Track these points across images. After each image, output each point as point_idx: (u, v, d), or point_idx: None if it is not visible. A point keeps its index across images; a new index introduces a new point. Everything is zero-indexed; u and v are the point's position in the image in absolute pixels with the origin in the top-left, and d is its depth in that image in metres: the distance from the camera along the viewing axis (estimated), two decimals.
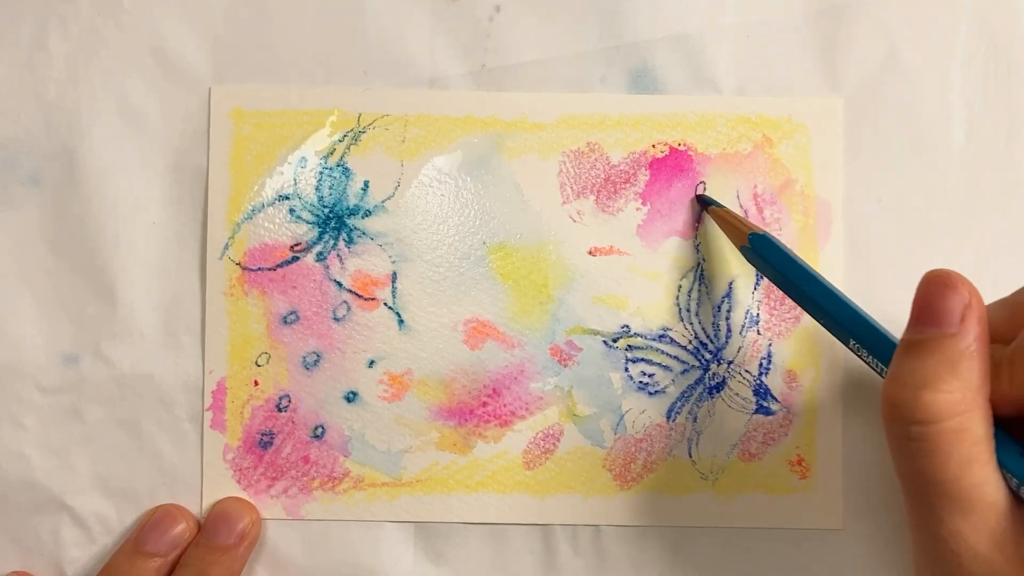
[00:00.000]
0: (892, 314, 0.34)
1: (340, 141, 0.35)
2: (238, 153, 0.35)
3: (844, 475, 0.35)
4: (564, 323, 0.35)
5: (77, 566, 0.35)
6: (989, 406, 0.25)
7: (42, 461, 0.34)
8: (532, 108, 0.35)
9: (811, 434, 0.35)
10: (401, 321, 0.35)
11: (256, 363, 0.35)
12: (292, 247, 0.35)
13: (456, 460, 0.35)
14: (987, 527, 0.25)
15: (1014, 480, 0.25)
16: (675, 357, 0.35)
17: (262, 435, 0.35)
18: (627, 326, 0.35)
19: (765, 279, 0.35)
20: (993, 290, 0.35)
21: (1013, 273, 0.35)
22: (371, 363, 0.35)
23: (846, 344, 0.30)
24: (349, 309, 0.35)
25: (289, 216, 0.35)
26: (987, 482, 0.25)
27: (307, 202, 0.35)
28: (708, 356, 0.35)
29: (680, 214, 0.35)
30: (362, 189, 0.35)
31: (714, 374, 0.35)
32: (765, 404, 0.35)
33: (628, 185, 0.35)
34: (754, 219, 0.35)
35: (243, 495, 0.34)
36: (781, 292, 0.35)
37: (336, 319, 0.35)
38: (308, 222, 0.35)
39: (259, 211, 0.35)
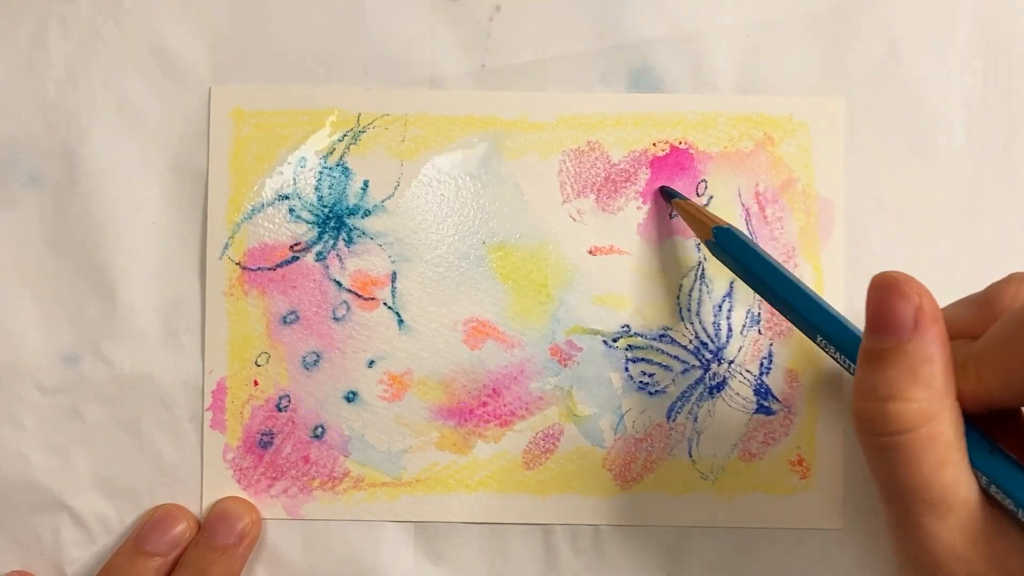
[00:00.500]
0: None
1: (340, 141, 0.35)
2: (238, 153, 0.35)
3: (844, 475, 0.35)
4: (564, 323, 0.35)
5: (77, 566, 0.35)
6: (957, 406, 0.25)
7: (42, 461, 0.34)
8: (532, 108, 0.35)
9: (811, 434, 0.35)
10: (401, 321, 0.35)
11: (256, 363, 0.34)
12: (292, 247, 0.35)
13: (456, 460, 0.35)
14: (963, 527, 0.25)
15: (984, 479, 0.25)
16: (675, 357, 0.35)
17: (262, 435, 0.34)
18: (627, 326, 0.35)
19: None
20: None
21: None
22: (371, 363, 0.35)
23: (814, 340, 0.30)
24: (349, 309, 0.35)
25: (289, 216, 0.35)
26: (959, 483, 0.25)
27: (307, 202, 0.35)
28: (708, 356, 0.35)
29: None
30: (362, 189, 0.35)
31: (715, 374, 0.35)
32: (766, 404, 0.35)
33: (628, 184, 0.35)
34: (756, 218, 0.35)
35: (243, 495, 0.34)
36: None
37: (336, 319, 0.35)
38: (308, 222, 0.35)
39: (259, 211, 0.35)
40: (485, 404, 0.35)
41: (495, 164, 0.35)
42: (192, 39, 0.35)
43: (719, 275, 0.35)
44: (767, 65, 0.35)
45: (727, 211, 0.35)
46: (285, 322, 0.34)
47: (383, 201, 0.35)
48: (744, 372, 0.35)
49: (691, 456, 0.35)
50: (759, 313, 0.35)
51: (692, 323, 0.35)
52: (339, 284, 0.35)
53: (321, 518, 0.35)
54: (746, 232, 0.35)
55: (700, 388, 0.35)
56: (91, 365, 0.34)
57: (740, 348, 0.35)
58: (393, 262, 0.35)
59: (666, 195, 0.34)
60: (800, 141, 0.35)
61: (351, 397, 0.34)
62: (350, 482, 0.35)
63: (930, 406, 0.25)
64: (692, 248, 0.35)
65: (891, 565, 0.35)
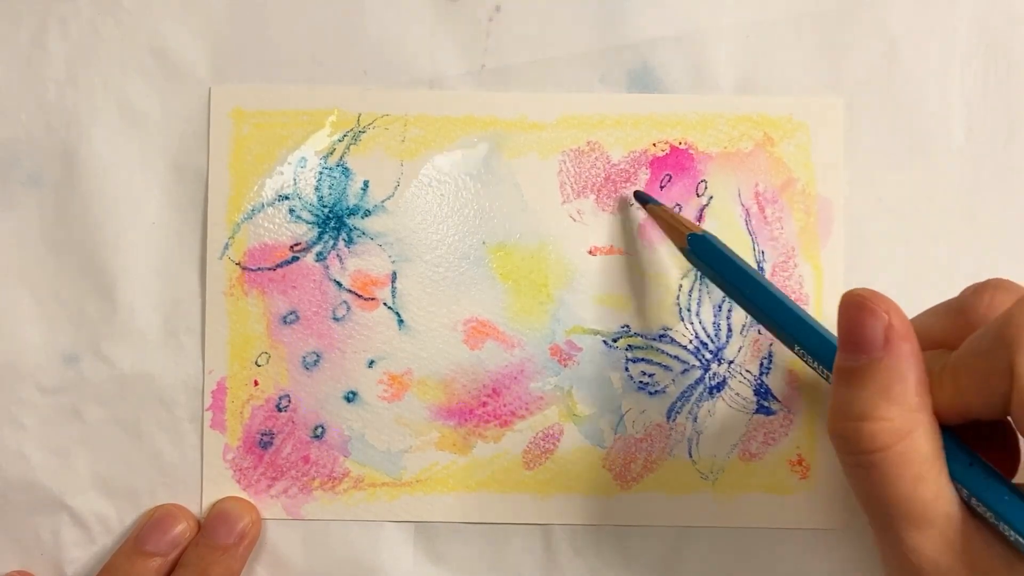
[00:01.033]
0: None
1: (340, 141, 0.35)
2: (238, 153, 0.35)
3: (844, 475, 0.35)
4: (564, 323, 0.35)
5: (77, 566, 0.35)
6: (934, 420, 0.25)
7: (42, 461, 0.34)
8: (532, 108, 0.35)
9: (811, 434, 0.35)
10: (401, 321, 0.35)
11: (256, 363, 0.34)
12: (292, 247, 0.35)
13: (456, 460, 0.35)
14: (945, 540, 0.25)
15: (964, 491, 0.25)
16: (675, 357, 0.35)
17: (262, 435, 0.34)
18: (627, 326, 0.35)
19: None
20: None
21: (1013, 273, 0.35)
22: (371, 363, 0.35)
23: (791, 349, 0.30)
24: (349, 309, 0.35)
25: (289, 216, 0.35)
26: (939, 496, 0.25)
27: (307, 202, 0.35)
28: (708, 356, 0.35)
29: (681, 213, 0.35)
30: (362, 189, 0.35)
31: (714, 374, 0.35)
32: (766, 404, 0.35)
33: (628, 184, 0.35)
34: (756, 218, 0.35)
35: (243, 495, 0.34)
36: (787, 286, 0.35)
37: (336, 319, 0.35)
38: (308, 222, 0.35)
39: (259, 211, 0.35)
40: (485, 404, 0.35)
41: (495, 164, 0.35)
42: (192, 39, 0.35)
43: None
44: (767, 65, 0.35)
45: (727, 211, 0.35)
46: (285, 322, 0.35)
47: (383, 201, 0.35)
48: (744, 372, 0.35)
49: (691, 456, 0.35)
50: None
51: (692, 323, 0.35)
52: (339, 284, 0.35)
53: (321, 518, 0.35)
54: (746, 233, 0.35)
55: (700, 388, 0.35)
56: (91, 365, 0.34)
57: (740, 348, 0.35)
58: (393, 262, 0.35)
59: (640, 200, 0.34)
60: (800, 141, 0.35)
61: (351, 397, 0.35)
62: (350, 482, 0.35)
63: (903, 424, 0.25)
64: None
65: None
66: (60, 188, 0.34)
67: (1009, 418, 0.24)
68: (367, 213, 0.35)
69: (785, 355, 0.35)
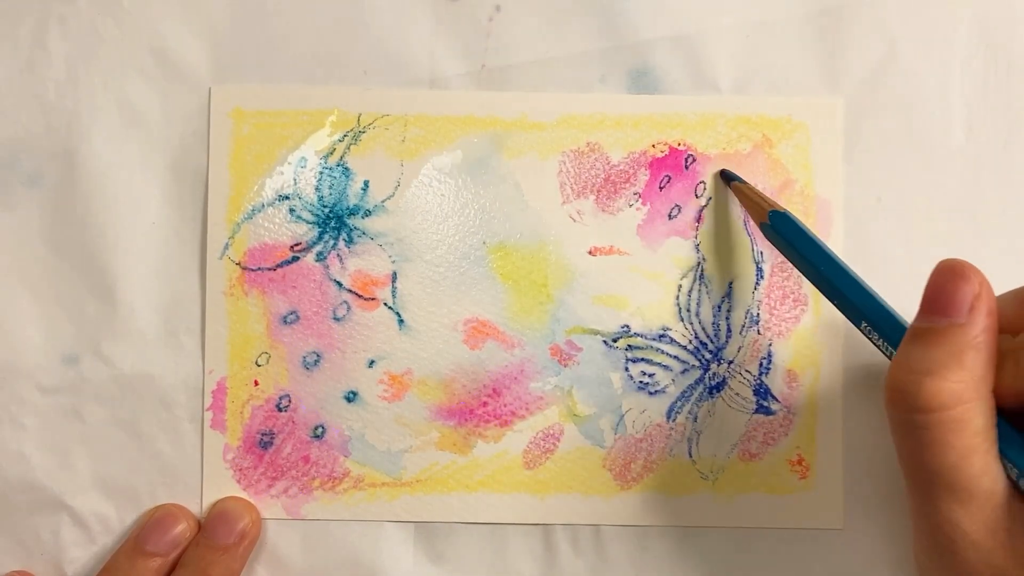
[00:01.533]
0: None
1: (340, 141, 0.35)
2: (238, 153, 0.35)
3: (844, 475, 0.35)
4: (564, 323, 0.35)
5: (77, 566, 0.35)
6: (992, 397, 0.26)
7: (42, 461, 0.34)
8: (532, 108, 0.35)
9: (811, 434, 0.35)
10: (401, 321, 0.35)
11: (256, 363, 0.35)
12: (292, 247, 0.35)
13: (456, 460, 0.35)
14: (984, 517, 0.25)
15: (1015, 471, 0.25)
16: (675, 357, 0.35)
17: (262, 435, 0.35)
18: (627, 326, 0.35)
19: (765, 279, 0.35)
20: (993, 290, 0.35)
21: (1013, 273, 0.35)
22: (371, 363, 0.35)
23: (858, 326, 0.30)
24: (349, 309, 0.35)
25: (289, 216, 0.35)
26: (986, 472, 0.25)
27: (307, 202, 0.35)
28: (708, 356, 0.35)
29: (680, 214, 0.35)
30: (362, 189, 0.35)
31: (714, 374, 0.35)
32: (765, 404, 0.35)
33: (628, 185, 0.35)
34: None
35: (243, 495, 0.34)
36: (784, 292, 0.35)
37: (336, 319, 0.35)
38: (308, 222, 0.35)
39: (259, 211, 0.35)
40: (485, 404, 0.35)
41: (495, 164, 0.35)
42: (192, 39, 0.35)
43: (718, 275, 0.35)
44: (766, 65, 0.35)
45: (726, 212, 0.35)
46: (285, 322, 0.35)
47: (383, 201, 0.35)
48: (743, 372, 0.35)
49: (691, 456, 0.35)
50: (758, 313, 0.35)
51: (692, 323, 0.35)
52: (339, 284, 0.35)
53: (321, 518, 0.35)
54: (745, 234, 0.35)
55: (700, 388, 0.35)
56: (91, 365, 0.34)
57: (739, 348, 0.35)
58: (393, 262, 0.35)
59: (726, 178, 0.35)
60: (798, 142, 0.35)
61: (351, 397, 0.35)
62: (350, 482, 0.35)
63: (966, 389, 0.25)
64: (692, 248, 0.35)
65: (891, 565, 0.35)
66: (60, 188, 0.34)
67: None
68: (367, 213, 0.35)
69: (784, 355, 0.35)
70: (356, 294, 0.35)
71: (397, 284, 0.35)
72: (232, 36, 0.35)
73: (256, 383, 0.34)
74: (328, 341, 0.35)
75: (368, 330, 0.35)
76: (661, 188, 0.35)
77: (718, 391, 0.35)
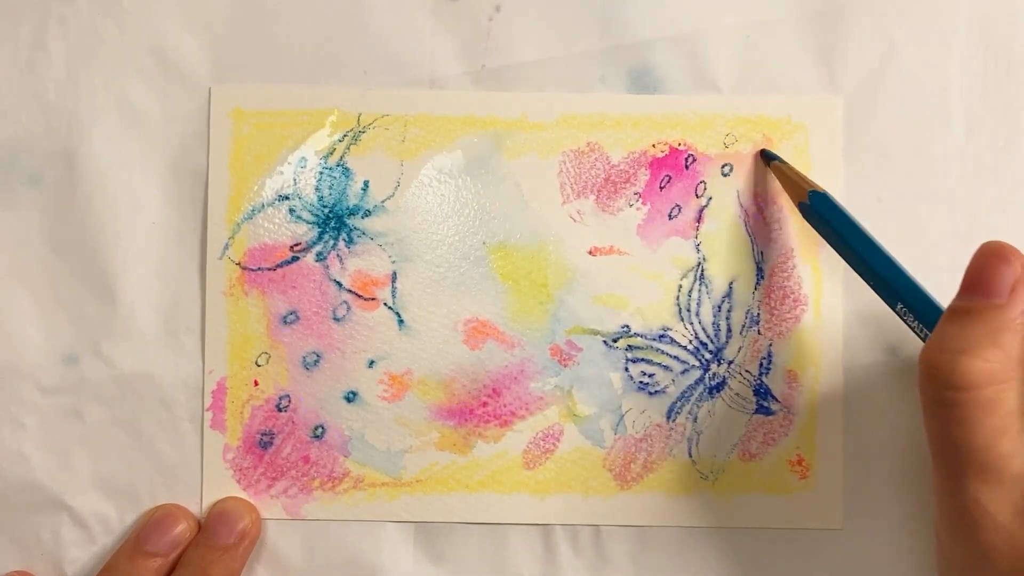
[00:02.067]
0: (891, 314, 0.34)
1: (340, 141, 0.35)
2: (238, 153, 0.35)
3: (844, 475, 0.35)
4: (564, 323, 0.35)
5: (77, 566, 0.35)
6: None
7: (42, 461, 0.34)
8: (532, 108, 0.35)
9: (811, 434, 0.35)
10: (401, 321, 0.35)
11: (256, 363, 0.35)
12: (292, 247, 0.35)
13: (456, 460, 0.35)
14: (1011, 499, 0.25)
15: None
16: (675, 357, 0.35)
17: (262, 435, 0.35)
18: (627, 326, 0.35)
19: (765, 279, 0.35)
20: None
21: None
22: (371, 363, 0.35)
23: (893, 308, 0.30)
24: (349, 309, 0.35)
25: (289, 216, 0.35)
26: (1016, 454, 0.25)
27: (307, 202, 0.35)
28: (708, 356, 0.35)
29: (680, 214, 0.35)
30: (362, 189, 0.35)
31: (714, 374, 0.35)
32: (765, 404, 0.35)
33: (628, 185, 0.35)
34: (754, 219, 0.35)
35: (243, 495, 0.34)
36: (785, 292, 0.35)
37: (336, 319, 0.35)
38: (308, 222, 0.35)
39: (259, 211, 0.35)
40: (485, 404, 0.35)
41: (495, 164, 0.35)
42: (192, 39, 0.35)
43: (718, 275, 0.35)
44: (766, 65, 0.35)
45: (726, 212, 0.35)
46: (285, 322, 0.35)
47: (383, 201, 0.35)
48: (744, 372, 0.35)
49: (691, 456, 0.35)
50: (758, 313, 0.35)
51: (692, 323, 0.35)
52: (339, 284, 0.35)
53: (321, 518, 0.35)
54: (745, 234, 0.35)
55: (700, 388, 0.35)
56: (91, 365, 0.34)
57: (739, 348, 0.35)
58: (393, 262, 0.35)
59: (766, 158, 0.35)
60: (798, 143, 0.35)
61: (351, 397, 0.35)
62: (350, 482, 0.35)
63: (1001, 369, 0.25)
64: (692, 248, 0.35)
65: (891, 565, 0.35)
66: (60, 188, 0.34)
67: None
68: (367, 213, 0.35)
69: (785, 355, 0.35)
70: (356, 294, 0.35)
71: (397, 284, 0.35)
72: (232, 36, 0.35)
73: (256, 383, 0.34)
74: (328, 341, 0.35)
75: (368, 330, 0.35)
76: (661, 188, 0.35)
77: (718, 391, 0.35)
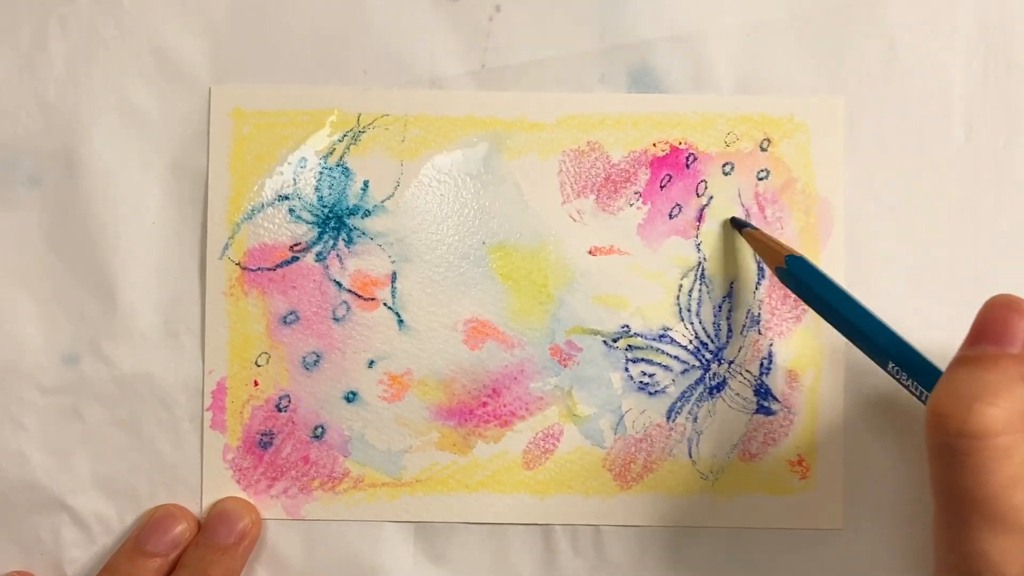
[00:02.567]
0: (892, 313, 0.34)
1: (340, 141, 0.35)
2: (238, 153, 0.35)
3: (844, 475, 0.35)
4: (564, 323, 0.35)
5: (77, 566, 0.35)
6: None
7: (42, 461, 0.34)
8: (532, 108, 0.35)
9: (811, 434, 0.35)
10: (401, 321, 0.35)
11: (256, 363, 0.34)
12: (292, 247, 0.35)
13: (456, 460, 0.35)
14: (1020, 552, 0.24)
15: None
16: (675, 357, 0.35)
17: (262, 435, 0.35)
18: (627, 326, 0.35)
19: (766, 279, 0.35)
20: (993, 290, 0.35)
21: (1013, 273, 0.35)
22: (371, 363, 0.35)
23: (883, 367, 0.30)
24: (349, 309, 0.35)
25: (289, 216, 0.35)
26: None
27: (307, 202, 0.35)
28: (708, 356, 0.35)
29: (681, 213, 0.35)
30: (362, 189, 0.35)
31: (714, 374, 0.35)
32: (766, 404, 0.35)
33: (628, 184, 0.35)
34: (756, 218, 0.35)
35: (243, 495, 0.34)
36: (785, 292, 0.35)
37: (336, 319, 0.35)
38: (308, 222, 0.35)
39: (259, 211, 0.35)
40: (485, 404, 0.35)
41: (495, 164, 0.35)
42: (192, 39, 0.35)
43: (719, 275, 0.35)
44: (767, 65, 0.35)
45: (727, 211, 0.35)
46: (285, 322, 0.35)
47: (383, 201, 0.35)
48: (744, 372, 0.35)
49: (691, 456, 0.35)
50: (759, 313, 0.35)
51: (692, 323, 0.35)
52: (339, 284, 0.35)
53: (321, 518, 0.35)
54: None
55: (700, 388, 0.35)
56: (91, 365, 0.34)
57: (740, 348, 0.35)
58: (393, 262, 0.35)
59: (736, 225, 0.34)
60: (799, 141, 0.35)
61: (351, 397, 0.35)
62: (350, 482, 0.35)
63: (1017, 419, 0.24)
64: (692, 248, 0.35)
65: (891, 565, 0.35)
66: (60, 188, 0.34)
67: None
68: (367, 213, 0.35)
69: (785, 355, 0.35)
70: (356, 294, 0.35)
71: (397, 284, 0.35)
72: (232, 36, 0.35)
73: (256, 383, 0.34)
74: (328, 341, 0.35)
75: (368, 330, 0.35)
76: (662, 187, 0.35)
77: (718, 391, 0.35)
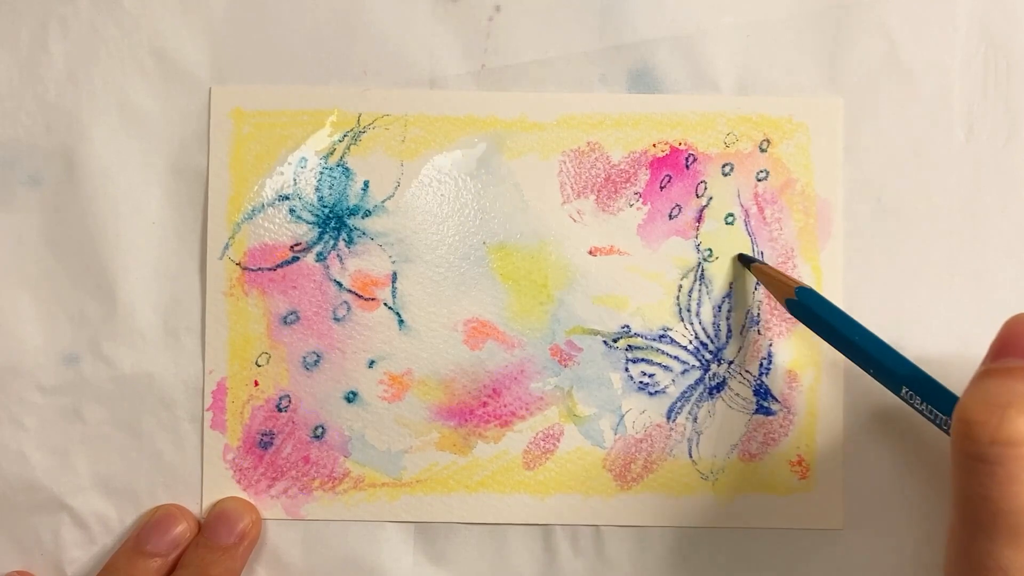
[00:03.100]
0: (892, 313, 0.34)
1: (340, 141, 0.35)
2: (238, 153, 0.35)
3: (844, 475, 0.35)
4: (564, 323, 0.35)
5: (77, 566, 0.35)
6: None
7: (42, 461, 0.34)
8: (532, 108, 0.35)
9: (811, 434, 0.35)
10: (401, 321, 0.35)
11: (256, 363, 0.34)
12: (292, 247, 0.35)
13: (456, 460, 0.35)
14: None
15: None
16: (675, 357, 0.35)
17: (262, 435, 0.35)
18: (627, 326, 0.35)
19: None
20: (993, 290, 0.35)
21: (1013, 273, 0.35)
22: (371, 363, 0.35)
23: (896, 392, 0.30)
24: (349, 309, 0.35)
25: (289, 216, 0.35)
26: None
27: (307, 202, 0.35)
28: (708, 356, 0.35)
29: (680, 213, 0.35)
30: (362, 189, 0.35)
31: (714, 374, 0.35)
32: (765, 404, 0.35)
33: (628, 184, 0.35)
34: (755, 219, 0.35)
35: (243, 495, 0.34)
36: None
37: (336, 319, 0.35)
38: (308, 222, 0.35)
39: (259, 211, 0.35)
40: (485, 404, 0.35)
41: (495, 164, 0.35)
42: (192, 39, 0.35)
43: (719, 276, 0.35)
44: (767, 65, 0.35)
45: (726, 212, 0.35)
46: (285, 322, 0.35)
47: (383, 201, 0.35)
48: (744, 372, 0.35)
49: (691, 456, 0.35)
50: (758, 314, 0.35)
51: (692, 323, 0.35)
52: (339, 284, 0.35)
53: (321, 518, 0.35)
54: (746, 234, 0.35)
55: (700, 388, 0.35)
56: (91, 365, 0.34)
57: (740, 348, 0.35)
58: (393, 262, 0.35)
59: (744, 261, 0.35)
60: (799, 142, 0.35)
61: (351, 397, 0.35)
62: (350, 482, 0.35)
63: None
64: (692, 248, 0.35)
65: (891, 565, 0.35)
66: (60, 188, 0.34)
67: None
68: (367, 213, 0.35)
69: (784, 356, 0.35)
70: (356, 294, 0.35)
71: (397, 284, 0.35)
72: (232, 36, 0.35)
73: (256, 383, 0.34)
74: (328, 341, 0.35)
75: (368, 330, 0.35)
76: (662, 188, 0.35)
77: (718, 391, 0.35)
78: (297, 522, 0.35)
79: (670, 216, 0.35)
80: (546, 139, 0.35)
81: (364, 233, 0.35)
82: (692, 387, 0.35)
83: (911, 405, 0.30)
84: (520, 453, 0.35)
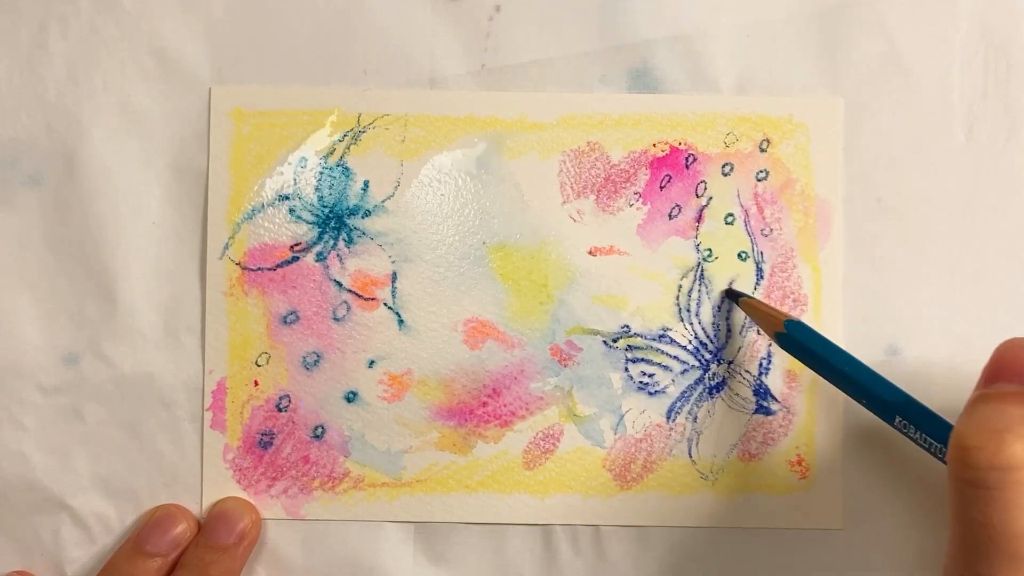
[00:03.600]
0: (892, 314, 0.34)
1: (340, 141, 0.35)
2: (238, 153, 0.35)
3: (844, 475, 0.35)
4: (564, 323, 0.35)
5: (77, 566, 0.35)
6: None
7: (42, 461, 0.34)
8: (532, 108, 0.35)
9: (811, 434, 0.35)
10: (401, 321, 0.35)
11: (256, 363, 0.35)
12: (292, 247, 0.35)
13: (456, 460, 0.35)
14: None
15: None
16: (675, 357, 0.35)
17: (262, 435, 0.35)
18: (627, 326, 0.35)
19: (764, 279, 0.35)
20: (993, 289, 0.35)
21: (1013, 273, 0.35)
22: (371, 363, 0.35)
23: (890, 422, 0.30)
24: (349, 309, 0.35)
25: (289, 216, 0.35)
26: None
27: (307, 202, 0.35)
28: (708, 356, 0.35)
29: (680, 213, 0.35)
30: (362, 189, 0.35)
31: (714, 374, 0.35)
32: (765, 404, 0.35)
33: (628, 184, 0.35)
34: (755, 219, 0.35)
35: (243, 495, 0.34)
36: (784, 292, 0.35)
37: (336, 319, 0.35)
38: (308, 222, 0.35)
39: (259, 211, 0.35)
40: (485, 404, 0.35)
41: (495, 164, 0.35)
42: (192, 39, 0.35)
43: (718, 276, 0.35)
44: (767, 65, 0.35)
45: (726, 212, 0.35)
46: (285, 322, 0.35)
47: (383, 201, 0.35)
48: (743, 372, 0.35)
49: (691, 456, 0.35)
50: None
51: (691, 323, 0.35)
52: (339, 284, 0.35)
53: (321, 518, 0.35)
54: (745, 234, 0.35)
55: (700, 388, 0.35)
56: (91, 365, 0.34)
57: (739, 348, 0.35)
58: (393, 262, 0.35)
59: (732, 296, 0.34)
60: (799, 142, 0.35)
61: (351, 397, 0.35)
62: (350, 482, 0.35)
63: None
64: (692, 248, 0.35)
65: (891, 565, 0.35)
66: (60, 188, 0.34)
67: None
68: (367, 213, 0.35)
69: (784, 356, 0.35)
70: (356, 294, 0.35)
71: (397, 284, 0.35)
72: (232, 36, 0.35)
73: (256, 383, 0.34)
74: (328, 341, 0.35)
75: (368, 330, 0.35)
76: (662, 188, 0.35)
77: (718, 391, 0.35)
78: (297, 522, 0.35)
79: (670, 216, 0.35)
80: (546, 139, 0.35)
81: (364, 233, 0.35)
82: (692, 387, 0.35)
83: (905, 434, 0.30)
84: (520, 453, 0.35)
